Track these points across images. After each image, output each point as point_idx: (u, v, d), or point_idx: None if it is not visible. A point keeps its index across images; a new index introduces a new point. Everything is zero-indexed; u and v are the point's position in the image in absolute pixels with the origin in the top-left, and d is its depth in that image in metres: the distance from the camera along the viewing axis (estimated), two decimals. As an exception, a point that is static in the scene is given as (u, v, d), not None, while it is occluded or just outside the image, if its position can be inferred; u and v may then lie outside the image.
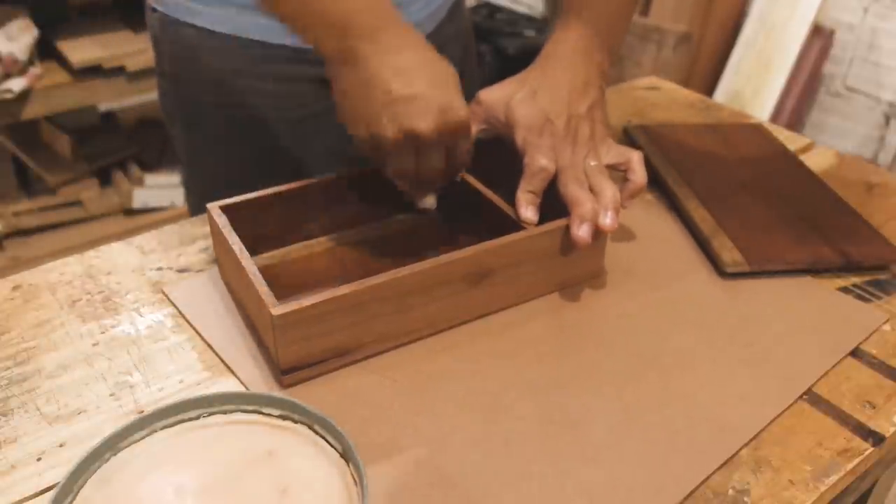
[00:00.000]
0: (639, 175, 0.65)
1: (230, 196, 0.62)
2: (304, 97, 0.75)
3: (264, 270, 0.63)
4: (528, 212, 0.61)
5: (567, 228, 0.60)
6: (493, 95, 0.67)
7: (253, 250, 0.62)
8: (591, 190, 0.61)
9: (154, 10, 0.76)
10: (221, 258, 0.63)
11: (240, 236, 0.58)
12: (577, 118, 0.64)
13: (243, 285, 0.57)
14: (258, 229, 0.63)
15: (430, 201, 0.65)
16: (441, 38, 0.83)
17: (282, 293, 0.52)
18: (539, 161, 0.62)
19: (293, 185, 0.64)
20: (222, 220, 0.59)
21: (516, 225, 0.61)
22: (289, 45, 0.72)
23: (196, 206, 0.81)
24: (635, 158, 0.65)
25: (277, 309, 0.50)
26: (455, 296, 0.58)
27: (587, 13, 0.67)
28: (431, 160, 0.56)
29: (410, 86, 0.53)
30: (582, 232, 0.58)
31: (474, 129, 0.70)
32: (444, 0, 0.81)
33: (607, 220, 0.59)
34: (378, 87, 0.53)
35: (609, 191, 0.60)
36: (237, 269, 0.57)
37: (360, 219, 0.69)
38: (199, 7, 0.70)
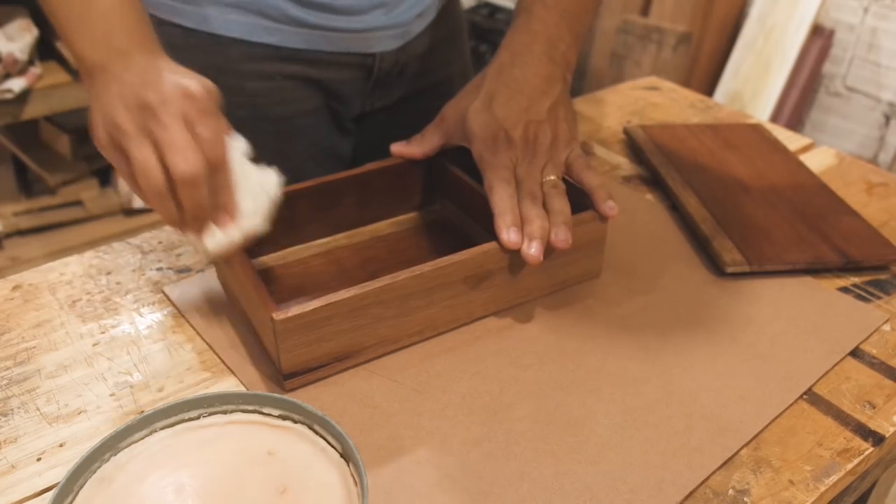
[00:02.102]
0: (587, 181, 0.63)
1: None
2: (285, 95, 0.75)
3: (263, 273, 0.63)
4: (510, 234, 0.58)
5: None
6: (452, 108, 0.65)
7: (251, 253, 0.62)
8: (544, 206, 0.60)
9: None
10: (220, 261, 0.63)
11: (239, 237, 0.58)
12: (535, 124, 0.62)
13: (243, 288, 0.56)
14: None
15: (213, 242, 0.53)
16: (431, 40, 0.82)
17: (281, 296, 0.52)
18: (499, 194, 0.59)
19: (292, 187, 0.63)
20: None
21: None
22: (269, 43, 0.72)
23: None
24: (596, 184, 0.62)
25: (280, 314, 0.50)
26: (455, 298, 0.58)
27: None
28: (170, 134, 0.50)
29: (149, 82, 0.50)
30: (532, 251, 0.57)
31: (434, 142, 0.68)
32: (434, 1, 0.80)
33: (560, 236, 0.58)
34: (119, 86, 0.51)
35: (557, 206, 0.59)
36: (237, 273, 0.56)
37: (359, 221, 0.69)
38: (183, 6, 0.70)
